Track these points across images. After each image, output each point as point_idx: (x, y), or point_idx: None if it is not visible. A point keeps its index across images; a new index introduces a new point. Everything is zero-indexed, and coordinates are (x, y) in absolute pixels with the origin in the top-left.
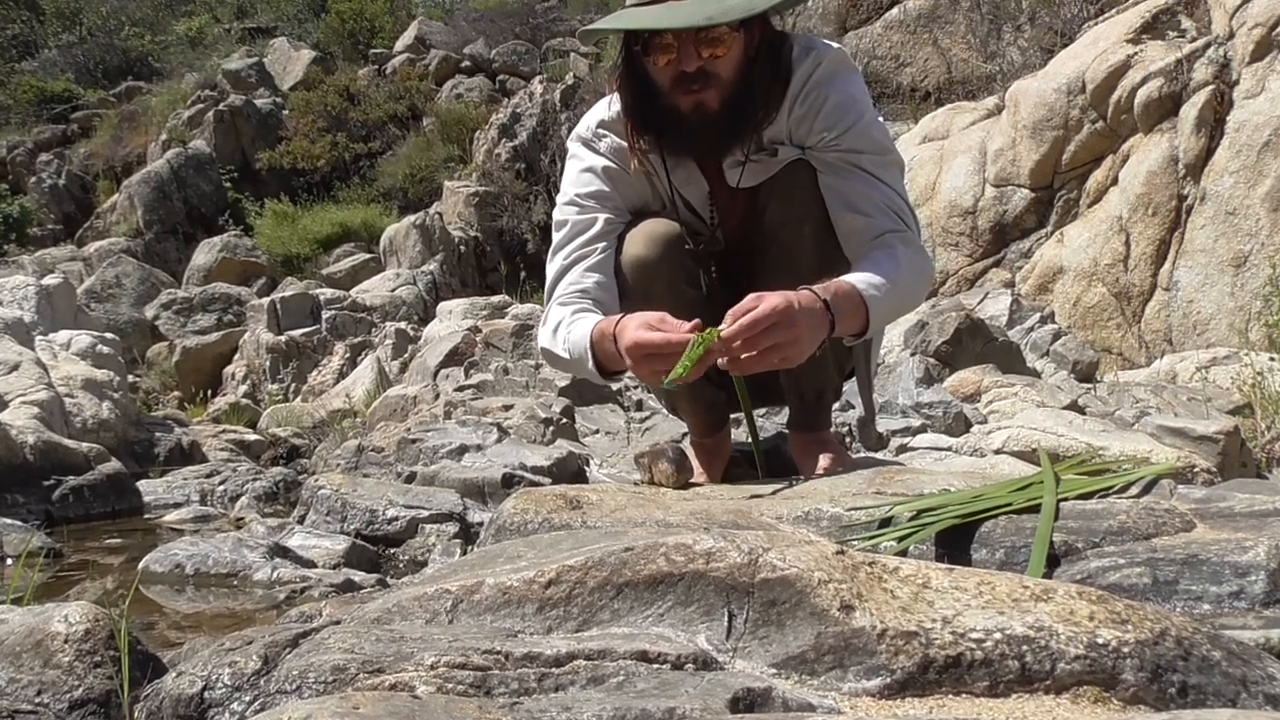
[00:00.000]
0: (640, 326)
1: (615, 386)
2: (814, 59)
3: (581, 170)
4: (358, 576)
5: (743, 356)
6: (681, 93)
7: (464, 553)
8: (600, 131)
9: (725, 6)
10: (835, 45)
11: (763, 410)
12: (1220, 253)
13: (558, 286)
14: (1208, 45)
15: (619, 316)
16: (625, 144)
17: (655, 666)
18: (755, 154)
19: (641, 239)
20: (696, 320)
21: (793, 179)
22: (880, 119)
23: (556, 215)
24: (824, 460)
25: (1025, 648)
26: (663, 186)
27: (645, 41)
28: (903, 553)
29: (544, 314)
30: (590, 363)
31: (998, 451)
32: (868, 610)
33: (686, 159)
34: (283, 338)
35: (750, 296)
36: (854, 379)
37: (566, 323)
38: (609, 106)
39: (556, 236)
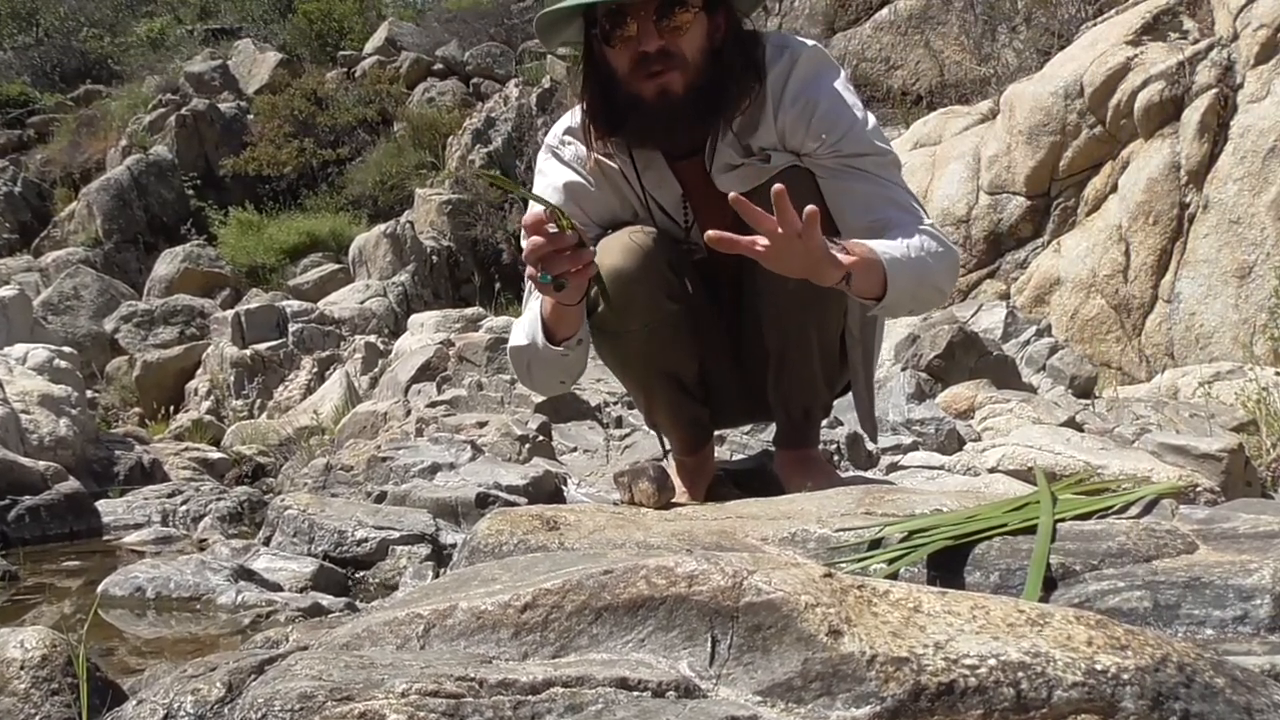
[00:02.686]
0: None
1: (591, 401)
2: (789, 58)
3: (543, 187)
4: (326, 600)
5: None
6: (643, 77)
7: (436, 575)
8: (566, 139)
9: None
10: (810, 42)
11: (748, 427)
12: (1224, 263)
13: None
14: (1211, 47)
15: None
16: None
17: (635, 694)
18: (746, 159)
19: (619, 249)
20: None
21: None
22: (871, 115)
23: (523, 240)
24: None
25: (1021, 674)
26: (633, 190)
27: (605, 31)
28: (893, 575)
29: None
30: (540, 332)
31: (992, 470)
32: (857, 635)
33: (657, 159)
34: (248, 352)
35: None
36: (842, 396)
37: (525, 313)
38: (575, 114)
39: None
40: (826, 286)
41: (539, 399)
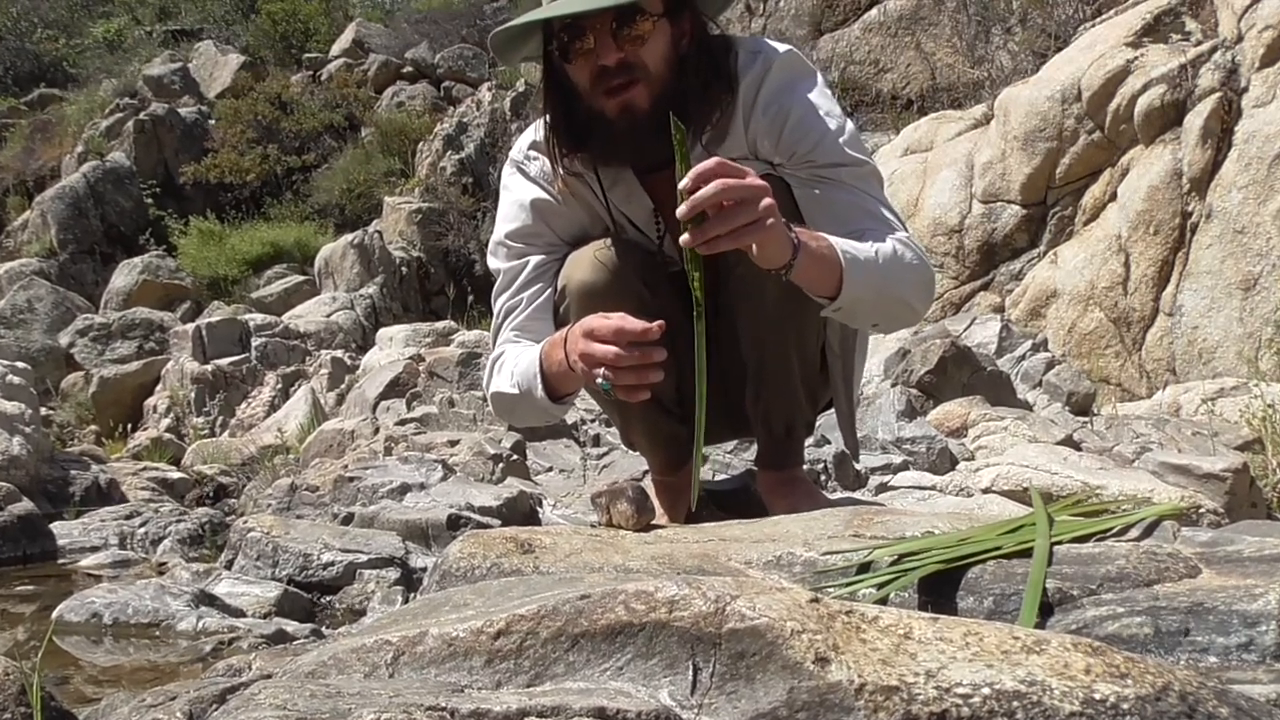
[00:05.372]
0: (596, 316)
1: (568, 419)
2: (763, 63)
3: (510, 205)
4: (290, 626)
5: (704, 196)
6: (603, 93)
7: (406, 601)
8: (531, 154)
9: None
10: (785, 47)
11: (730, 445)
12: (1228, 274)
13: (496, 341)
14: (1214, 49)
15: (570, 325)
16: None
17: None
18: None
19: (588, 264)
20: (660, 322)
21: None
22: (850, 123)
23: (489, 261)
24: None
25: (1016, 704)
26: (601, 205)
27: (563, 44)
28: (883, 601)
29: (486, 367)
30: (539, 386)
31: (986, 491)
32: (845, 663)
33: (626, 174)
34: (209, 367)
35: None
36: (829, 411)
37: (512, 357)
38: (539, 128)
39: (495, 289)
40: (781, 280)
41: None
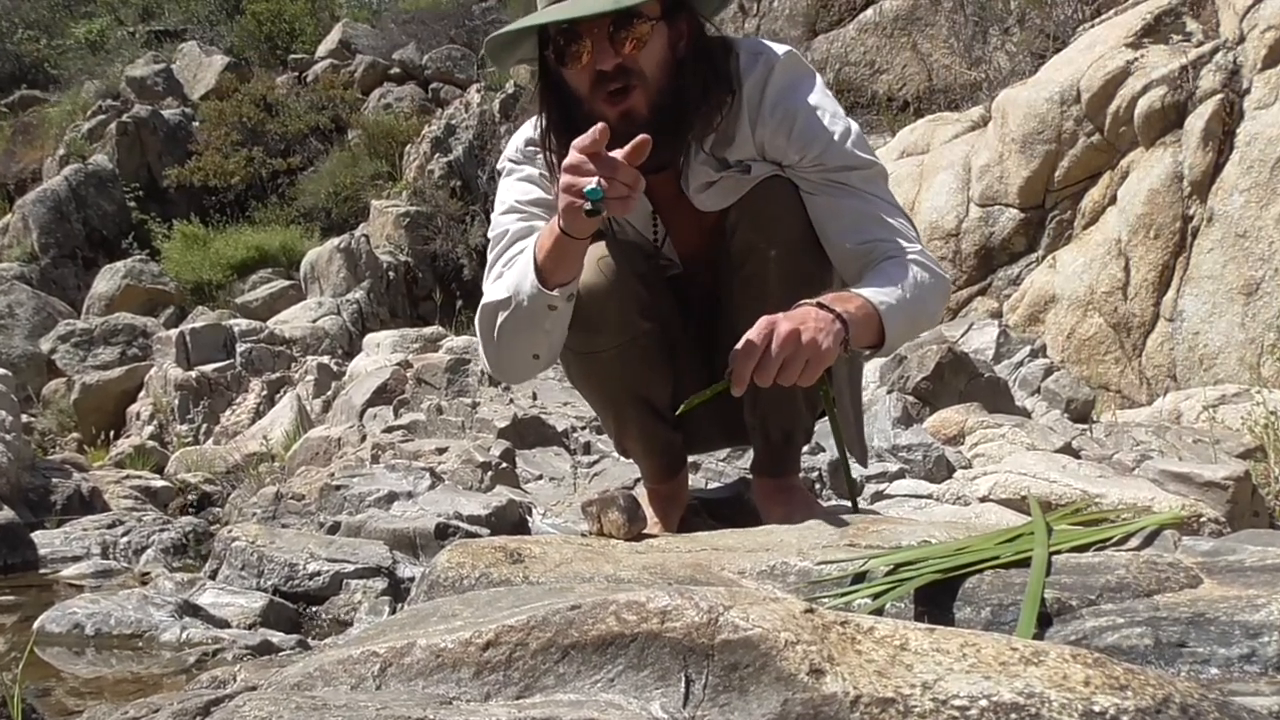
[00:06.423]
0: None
1: (558, 426)
2: (764, 65)
3: (519, 179)
4: (276, 637)
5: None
6: (602, 98)
7: (393, 611)
8: (530, 150)
9: None
10: (784, 48)
11: (724, 452)
12: (1229, 279)
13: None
14: (1215, 50)
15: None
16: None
17: None
18: (723, 172)
19: (589, 266)
20: (601, 125)
21: (764, 199)
22: (853, 123)
23: (493, 229)
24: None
25: (1014, 716)
26: None
27: (559, 48)
28: (878, 611)
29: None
30: (531, 273)
31: (983, 499)
32: (840, 675)
33: None
34: (193, 373)
35: (755, 329)
36: (824, 418)
37: (508, 274)
38: (535, 126)
39: (492, 251)
40: (784, 283)
41: (503, 424)
